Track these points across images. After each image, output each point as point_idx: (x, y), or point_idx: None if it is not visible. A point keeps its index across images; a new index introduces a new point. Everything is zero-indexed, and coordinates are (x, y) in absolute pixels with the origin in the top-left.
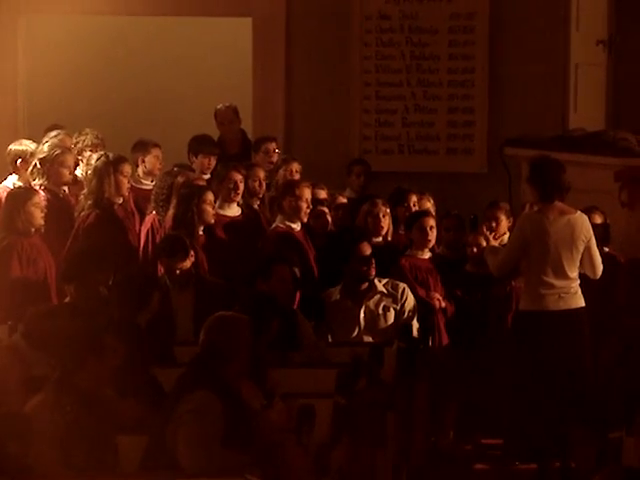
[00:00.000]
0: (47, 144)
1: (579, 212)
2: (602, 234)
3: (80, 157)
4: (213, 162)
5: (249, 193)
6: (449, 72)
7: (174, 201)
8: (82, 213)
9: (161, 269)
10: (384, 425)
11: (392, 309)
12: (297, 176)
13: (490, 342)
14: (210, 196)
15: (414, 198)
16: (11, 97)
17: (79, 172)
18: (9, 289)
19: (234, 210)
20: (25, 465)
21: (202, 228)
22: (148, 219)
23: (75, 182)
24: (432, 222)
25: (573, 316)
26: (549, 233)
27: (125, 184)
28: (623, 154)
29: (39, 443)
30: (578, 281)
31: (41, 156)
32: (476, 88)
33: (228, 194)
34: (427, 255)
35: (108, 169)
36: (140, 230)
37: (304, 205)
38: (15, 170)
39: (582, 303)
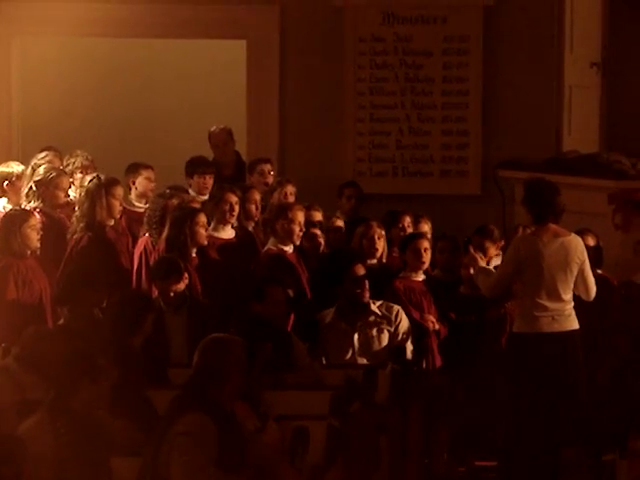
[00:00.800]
0: (42, 167)
1: (573, 234)
2: (595, 256)
3: (71, 179)
4: (209, 181)
5: (245, 216)
6: (443, 94)
7: (167, 224)
8: (75, 236)
9: (155, 291)
10: (378, 447)
11: (386, 331)
12: (292, 199)
13: (484, 364)
14: (203, 218)
15: (408, 219)
16: (5, 116)
17: (71, 194)
18: (4, 311)
19: (228, 232)
20: None
21: (195, 250)
22: (141, 241)
23: (67, 204)
24: (426, 244)
25: (567, 338)
26: (543, 255)
27: (117, 206)
28: (617, 177)
29: (33, 465)
30: (572, 303)
31: (37, 179)
32: (470, 110)
33: (223, 216)
34: (421, 277)
35: (100, 192)
36: (133, 252)
37: (297, 228)
38: (2, 193)
39: (576, 325)
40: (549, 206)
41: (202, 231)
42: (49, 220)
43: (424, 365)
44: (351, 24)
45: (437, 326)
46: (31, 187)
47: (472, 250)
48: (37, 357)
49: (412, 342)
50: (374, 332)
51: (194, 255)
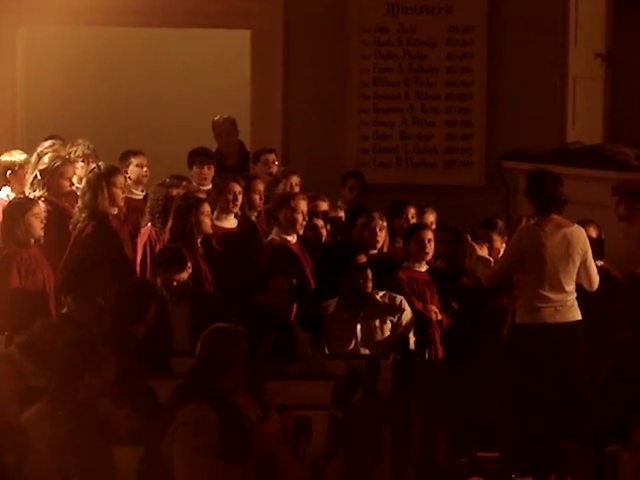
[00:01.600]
0: (47, 156)
1: (576, 225)
2: (596, 248)
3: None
4: (209, 172)
5: (248, 205)
6: (447, 85)
7: (171, 213)
8: (78, 225)
9: (158, 281)
10: (380, 437)
11: (389, 321)
12: (297, 189)
13: (486, 355)
14: (207, 207)
15: (412, 210)
16: (9, 105)
17: (75, 183)
18: (8, 300)
19: (231, 222)
20: (21, 476)
21: (200, 239)
22: (144, 231)
23: (71, 193)
24: (430, 235)
25: (569, 329)
26: (546, 246)
27: (119, 195)
28: (620, 168)
29: (35, 454)
30: (575, 294)
31: (42, 167)
32: (474, 101)
33: (226, 205)
34: (424, 268)
35: (100, 182)
36: (135, 241)
37: (300, 217)
38: (5, 181)
39: (578, 316)
40: (551, 197)
41: (207, 220)
42: (53, 209)
43: (426, 356)
44: (355, 14)
45: (440, 316)
46: (36, 175)
47: (469, 239)
48: (40, 346)
49: (415, 332)
50: (377, 322)
51: (199, 244)
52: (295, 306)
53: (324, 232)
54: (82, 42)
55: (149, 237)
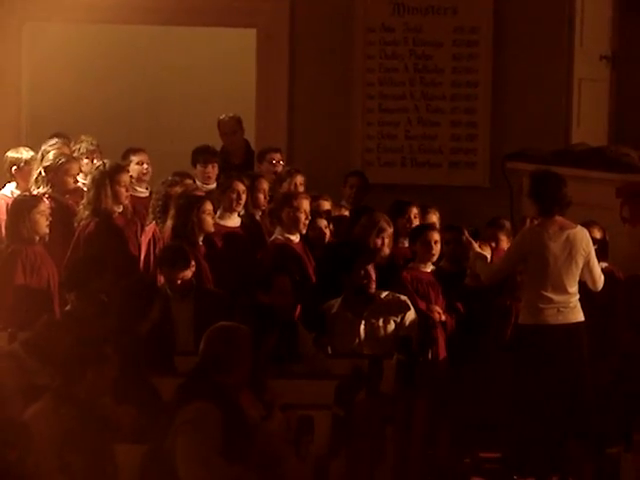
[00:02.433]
0: (52, 152)
1: (579, 226)
2: (600, 249)
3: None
4: (212, 170)
5: (253, 204)
6: (452, 85)
7: (172, 212)
8: (82, 222)
9: (161, 279)
10: (383, 437)
11: (392, 321)
12: (301, 189)
13: (489, 355)
14: (209, 205)
15: (415, 210)
16: (14, 102)
17: (80, 180)
18: (12, 297)
19: (234, 220)
20: (23, 473)
21: (202, 238)
22: (149, 229)
23: (76, 190)
24: (436, 236)
25: (572, 330)
26: (549, 248)
27: (123, 193)
28: (625, 170)
29: (38, 451)
30: (577, 295)
31: (46, 164)
32: (479, 102)
33: (230, 204)
34: (429, 268)
35: (104, 180)
36: (141, 239)
37: (302, 216)
38: (11, 178)
39: (581, 317)
40: (555, 198)
41: (209, 219)
42: (58, 206)
43: (430, 356)
44: (361, 14)
45: (443, 317)
46: (40, 172)
47: (467, 235)
48: (43, 343)
49: (418, 333)
50: (380, 322)
51: (200, 243)
52: (299, 305)
53: (327, 232)
54: (87, 39)
55: (153, 235)
